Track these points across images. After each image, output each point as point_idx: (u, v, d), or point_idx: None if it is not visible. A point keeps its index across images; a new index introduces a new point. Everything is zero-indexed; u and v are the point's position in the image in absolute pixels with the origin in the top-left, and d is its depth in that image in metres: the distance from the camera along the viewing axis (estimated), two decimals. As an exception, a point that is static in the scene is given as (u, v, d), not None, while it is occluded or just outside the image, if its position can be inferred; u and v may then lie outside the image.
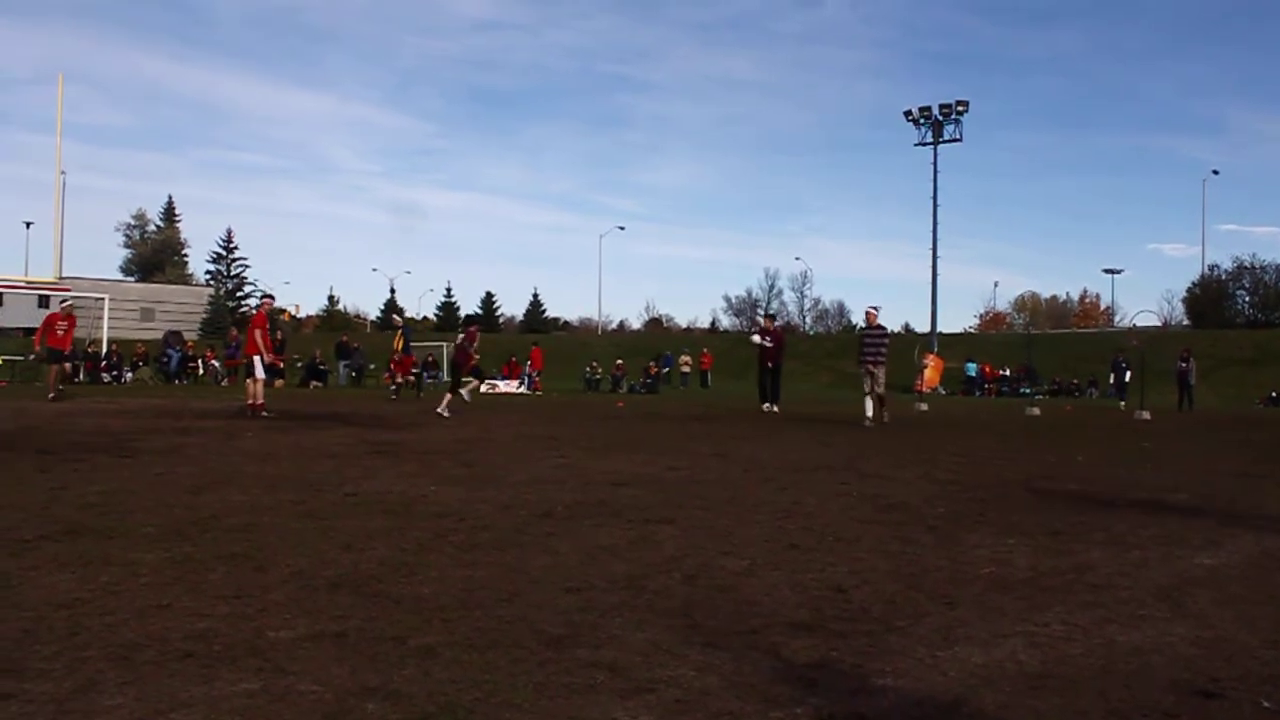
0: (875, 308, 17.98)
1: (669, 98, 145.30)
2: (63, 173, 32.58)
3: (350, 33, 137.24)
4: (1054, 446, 12.84)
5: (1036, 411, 23.34)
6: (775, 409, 19.84)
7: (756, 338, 21.05)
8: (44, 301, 45.70)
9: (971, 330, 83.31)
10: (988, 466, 9.89)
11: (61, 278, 32.96)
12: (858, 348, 18.03)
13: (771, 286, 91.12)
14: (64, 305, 20.14)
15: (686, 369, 45.37)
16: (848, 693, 2.94)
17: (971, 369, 45.21)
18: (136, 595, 3.84)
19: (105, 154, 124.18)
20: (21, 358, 33.03)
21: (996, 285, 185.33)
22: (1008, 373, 44.96)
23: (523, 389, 36.18)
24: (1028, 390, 36.55)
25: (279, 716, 2.67)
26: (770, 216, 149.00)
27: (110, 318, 33.83)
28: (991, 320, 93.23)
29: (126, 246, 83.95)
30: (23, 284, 37.26)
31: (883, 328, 17.82)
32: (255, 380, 15.87)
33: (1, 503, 5.94)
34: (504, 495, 6.85)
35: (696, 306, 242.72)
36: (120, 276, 75.56)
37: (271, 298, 18.25)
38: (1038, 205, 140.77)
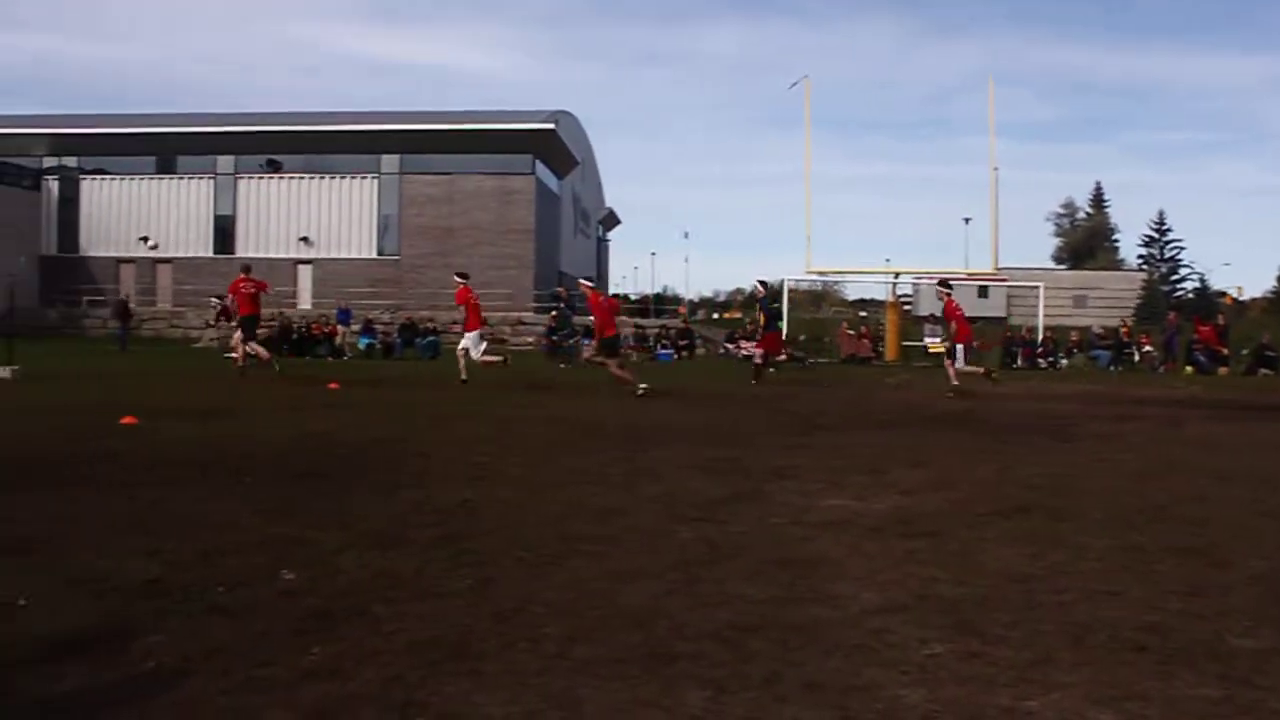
0: None
1: None
2: (995, 169, 34.59)
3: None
4: None
5: None
6: None
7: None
8: (983, 292, 49.48)
9: None
10: None
11: (998, 269, 35.15)
12: None
13: None
14: (583, 281, 17.05)
15: None
16: None
17: None
18: (1086, 578, 3.87)
19: (1033, 148, 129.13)
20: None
21: None
22: None
23: None
24: None
25: (1246, 732, 2.44)
26: None
27: (1046, 305, 34.92)
28: None
29: (1056, 235, 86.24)
30: (964, 275, 40.76)
31: None
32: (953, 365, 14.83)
33: (959, 479, 6.49)
34: None
35: None
36: (1052, 265, 77.95)
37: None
38: None
